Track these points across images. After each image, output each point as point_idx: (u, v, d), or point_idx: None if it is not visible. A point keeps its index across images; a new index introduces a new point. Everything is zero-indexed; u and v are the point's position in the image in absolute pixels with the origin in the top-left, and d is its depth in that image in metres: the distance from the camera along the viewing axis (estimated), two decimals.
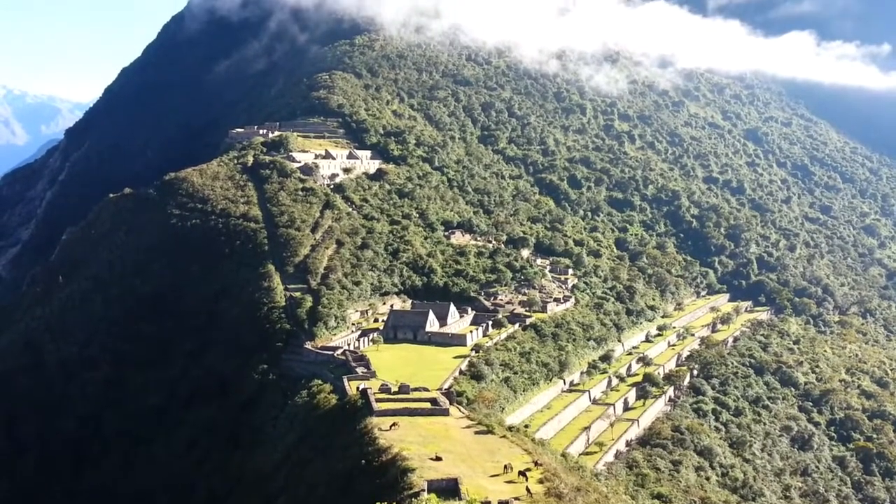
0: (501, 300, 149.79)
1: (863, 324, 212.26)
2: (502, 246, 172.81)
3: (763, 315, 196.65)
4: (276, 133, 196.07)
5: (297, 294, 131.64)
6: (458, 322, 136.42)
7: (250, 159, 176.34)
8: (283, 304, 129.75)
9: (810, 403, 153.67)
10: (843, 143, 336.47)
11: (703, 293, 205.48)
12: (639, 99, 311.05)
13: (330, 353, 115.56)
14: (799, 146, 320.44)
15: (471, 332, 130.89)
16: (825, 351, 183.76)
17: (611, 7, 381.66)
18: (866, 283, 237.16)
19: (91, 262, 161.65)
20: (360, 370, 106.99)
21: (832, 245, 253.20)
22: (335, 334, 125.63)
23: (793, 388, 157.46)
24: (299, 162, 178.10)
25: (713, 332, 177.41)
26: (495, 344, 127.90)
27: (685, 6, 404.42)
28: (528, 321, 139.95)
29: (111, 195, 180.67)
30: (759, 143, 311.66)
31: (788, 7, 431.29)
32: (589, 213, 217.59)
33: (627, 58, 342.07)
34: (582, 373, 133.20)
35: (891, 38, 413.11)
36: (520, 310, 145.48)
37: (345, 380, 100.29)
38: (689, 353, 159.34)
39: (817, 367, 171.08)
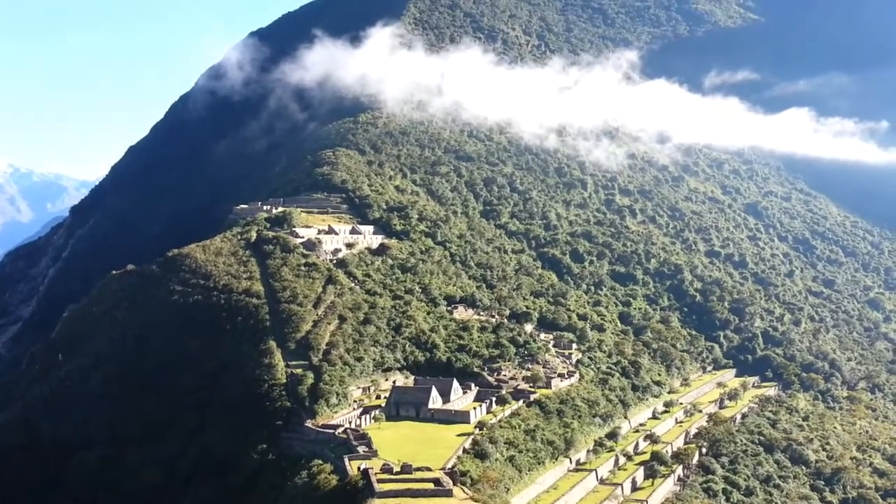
0: (505, 376, 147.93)
1: (872, 399, 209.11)
2: (505, 321, 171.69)
3: (771, 391, 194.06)
4: (280, 209, 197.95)
5: (299, 370, 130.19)
6: (461, 398, 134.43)
7: (254, 235, 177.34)
8: (284, 380, 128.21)
9: (822, 482, 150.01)
10: (844, 218, 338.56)
11: (709, 368, 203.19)
12: (639, 174, 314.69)
13: (331, 431, 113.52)
14: (799, 220, 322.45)
15: (474, 408, 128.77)
16: (835, 427, 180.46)
17: (611, 85, 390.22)
18: (873, 358, 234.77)
19: (91, 339, 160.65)
20: (361, 449, 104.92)
21: (837, 319, 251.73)
22: (336, 412, 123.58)
23: (804, 467, 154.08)
24: (302, 237, 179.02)
25: (721, 408, 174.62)
26: (499, 421, 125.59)
27: (685, 84, 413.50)
28: (532, 397, 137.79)
29: (114, 272, 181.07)
30: (759, 217, 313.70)
31: (785, 86, 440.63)
32: (592, 287, 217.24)
33: (627, 133, 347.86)
34: (588, 451, 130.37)
35: (889, 114, 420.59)
36: (524, 385, 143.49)
37: (346, 459, 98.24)
38: (697, 430, 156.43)
39: (828, 444, 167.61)
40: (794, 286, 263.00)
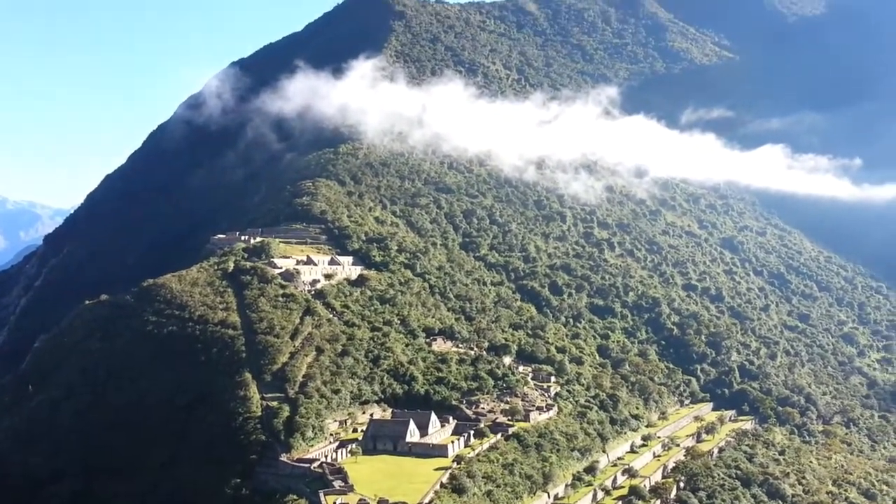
0: (483, 409, 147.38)
1: (847, 433, 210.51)
2: (484, 353, 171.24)
3: (747, 424, 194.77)
4: (258, 239, 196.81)
5: (274, 403, 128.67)
6: (439, 432, 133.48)
7: (231, 265, 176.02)
8: (259, 413, 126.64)
9: None
10: (818, 253, 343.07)
11: (686, 402, 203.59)
12: (617, 207, 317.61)
13: (306, 465, 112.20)
14: (774, 255, 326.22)
15: (452, 442, 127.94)
16: (811, 462, 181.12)
17: (590, 119, 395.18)
18: (848, 392, 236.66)
19: (63, 370, 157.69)
20: (337, 484, 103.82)
21: (812, 353, 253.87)
22: (312, 445, 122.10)
23: (780, 501, 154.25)
24: (280, 268, 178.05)
25: (698, 442, 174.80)
26: (477, 455, 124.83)
27: (662, 120, 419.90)
28: (510, 430, 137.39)
29: (87, 302, 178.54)
30: (735, 251, 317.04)
31: (760, 123, 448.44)
32: (570, 320, 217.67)
33: (605, 167, 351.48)
34: (566, 485, 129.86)
35: (862, 152, 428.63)
36: (502, 418, 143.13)
37: (321, 494, 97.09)
38: (674, 465, 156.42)
39: (804, 478, 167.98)
40: (769, 320, 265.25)
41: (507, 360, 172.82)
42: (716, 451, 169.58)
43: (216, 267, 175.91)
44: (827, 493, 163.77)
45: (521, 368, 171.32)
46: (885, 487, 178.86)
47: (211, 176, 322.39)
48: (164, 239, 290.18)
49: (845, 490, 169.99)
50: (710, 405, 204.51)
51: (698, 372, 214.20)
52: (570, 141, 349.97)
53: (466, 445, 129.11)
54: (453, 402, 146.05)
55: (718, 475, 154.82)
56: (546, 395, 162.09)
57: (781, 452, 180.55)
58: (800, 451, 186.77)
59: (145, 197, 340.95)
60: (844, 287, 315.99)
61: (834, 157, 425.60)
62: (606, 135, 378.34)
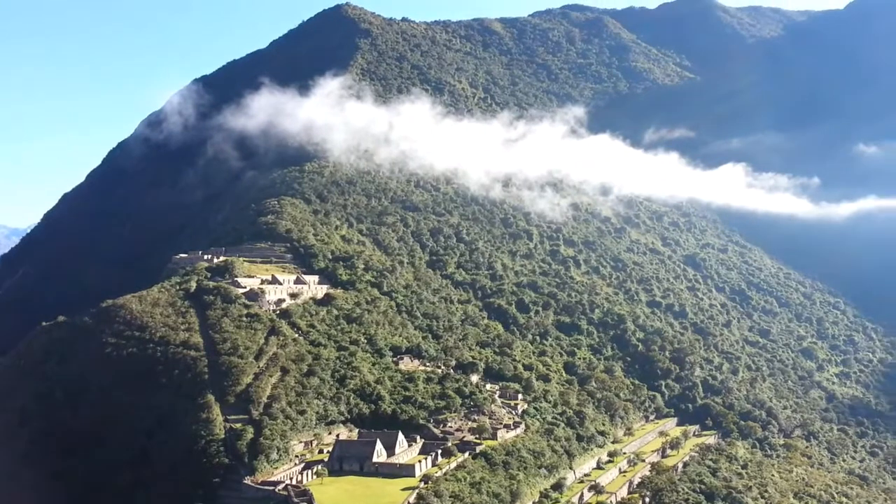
0: (451, 427, 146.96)
1: (807, 447, 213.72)
2: (451, 371, 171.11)
3: (711, 439, 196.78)
4: (222, 258, 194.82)
5: (238, 425, 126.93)
6: (406, 451, 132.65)
7: (193, 285, 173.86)
8: (223, 436, 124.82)
9: None
10: (778, 269, 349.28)
11: (651, 417, 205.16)
12: (583, 225, 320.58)
13: (271, 488, 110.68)
14: (736, 272, 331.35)
15: (419, 461, 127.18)
16: (773, 475, 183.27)
17: (556, 138, 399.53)
18: (808, 406, 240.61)
19: (18, 394, 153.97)
20: None
21: (773, 368, 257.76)
22: (277, 467, 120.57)
23: None
24: (244, 287, 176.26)
25: (663, 457, 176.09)
26: (445, 474, 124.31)
27: (627, 139, 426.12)
28: (478, 449, 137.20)
29: (44, 323, 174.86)
30: (697, 268, 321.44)
31: (720, 144, 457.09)
32: (537, 338, 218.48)
33: (570, 185, 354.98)
34: (533, 503, 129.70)
35: (820, 171, 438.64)
36: (469, 437, 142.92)
37: None
38: (640, 480, 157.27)
39: (766, 491, 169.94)
40: (731, 336, 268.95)
41: (475, 378, 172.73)
42: (680, 465, 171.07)
43: (178, 287, 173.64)
44: None
45: (488, 386, 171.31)
46: (844, 500, 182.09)
47: (171, 194, 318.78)
48: (124, 259, 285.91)
49: (806, 503, 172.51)
50: (675, 420, 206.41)
51: (663, 387, 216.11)
52: (536, 159, 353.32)
53: (434, 465, 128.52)
54: (421, 422, 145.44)
55: (683, 490, 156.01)
56: (513, 412, 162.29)
57: (744, 466, 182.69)
58: (762, 464, 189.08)
59: (104, 216, 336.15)
60: (803, 303, 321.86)
61: (793, 176, 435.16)
62: (572, 153, 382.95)
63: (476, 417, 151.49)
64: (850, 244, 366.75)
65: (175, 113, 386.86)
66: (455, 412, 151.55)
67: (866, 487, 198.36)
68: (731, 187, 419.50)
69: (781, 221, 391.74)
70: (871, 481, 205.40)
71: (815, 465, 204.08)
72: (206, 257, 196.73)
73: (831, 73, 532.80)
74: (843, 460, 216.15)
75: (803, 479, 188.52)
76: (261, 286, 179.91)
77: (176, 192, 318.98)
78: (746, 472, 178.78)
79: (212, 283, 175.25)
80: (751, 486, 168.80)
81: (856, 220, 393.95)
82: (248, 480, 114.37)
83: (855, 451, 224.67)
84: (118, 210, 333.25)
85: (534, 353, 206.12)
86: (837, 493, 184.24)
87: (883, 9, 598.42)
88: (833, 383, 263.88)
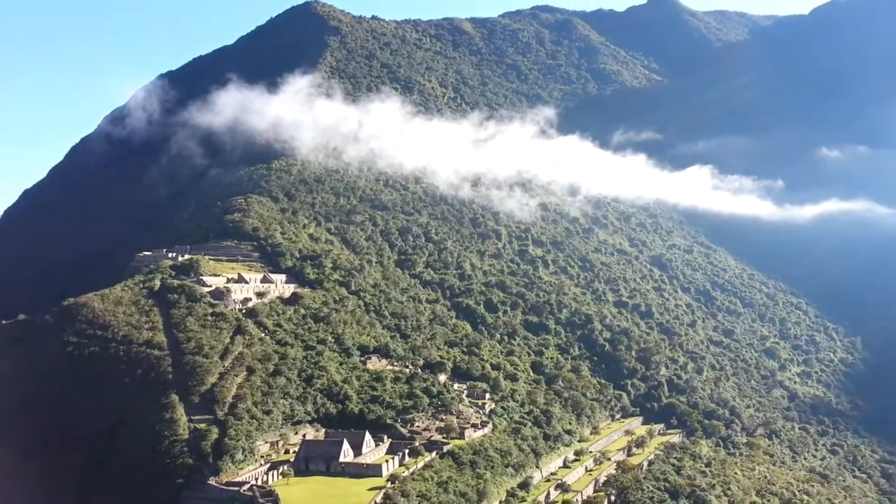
0: (418, 427, 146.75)
1: (769, 445, 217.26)
2: (419, 371, 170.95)
3: (675, 438, 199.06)
4: (186, 256, 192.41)
5: (202, 425, 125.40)
6: (373, 451, 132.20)
7: (157, 283, 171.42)
8: (187, 436, 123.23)
9: None
10: (742, 270, 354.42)
11: (617, 416, 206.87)
12: (551, 225, 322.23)
13: (235, 488, 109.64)
14: (701, 272, 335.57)
15: (387, 461, 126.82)
16: (736, 473, 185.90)
17: (525, 139, 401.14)
18: (770, 405, 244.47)
19: None
20: None
21: (736, 367, 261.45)
22: (242, 468, 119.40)
23: None
24: (210, 286, 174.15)
25: (629, 455, 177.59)
26: (412, 474, 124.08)
27: (596, 141, 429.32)
28: (445, 448, 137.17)
29: (3, 321, 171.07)
30: (664, 269, 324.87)
31: (686, 146, 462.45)
32: (505, 337, 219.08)
33: (539, 185, 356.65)
34: (500, 502, 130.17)
35: (784, 174, 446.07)
36: (437, 436, 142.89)
37: None
38: (606, 478, 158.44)
39: (729, 489, 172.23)
40: (696, 335, 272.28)
41: (443, 377, 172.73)
42: (645, 464, 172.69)
43: (141, 285, 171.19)
44: (751, 503, 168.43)
45: (456, 386, 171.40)
46: (805, 497, 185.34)
47: (134, 192, 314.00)
48: (86, 257, 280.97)
49: (768, 500, 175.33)
50: (640, 419, 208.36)
51: (629, 387, 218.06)
52: (505, 159, 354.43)
53: (401, 464, 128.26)
54: (388, 421, 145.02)
55: (648, 488, 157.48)
56: (481, 412, 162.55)
57: (708, 464, 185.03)
58: (725, 462, 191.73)
59: (66, 213, 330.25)
60: (766, 303, 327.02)
61: (758, 179, 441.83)
62: (541, 154, 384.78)
63: (443, 417, 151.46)
64: (812, 246, 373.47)
65: (139, 108, 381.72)
66: (423, 412, 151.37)
67: (827, 485, 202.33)
68: (698, 189, 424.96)
69: (746, 223, 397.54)
70: (831, 479, 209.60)
71: (777, 463, 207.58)
72: (170, 255, 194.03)
73: (795, 77, 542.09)
74: (805, 458, 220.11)
75: (765, 477, 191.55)
76: (227, 285, 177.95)
77: (139, 189, 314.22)
78: (710, 471, 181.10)
79: (176, 282, 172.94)
80: (714, 485, 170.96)
81: (818, 223, 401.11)
82: (212, 481, 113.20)
83: (816, 450, 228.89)
84: (80, 207, 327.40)
85: (502, 352, 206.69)
86: (799, 491, 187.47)
87: (846, 15, 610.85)
88: (795, 383, 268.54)
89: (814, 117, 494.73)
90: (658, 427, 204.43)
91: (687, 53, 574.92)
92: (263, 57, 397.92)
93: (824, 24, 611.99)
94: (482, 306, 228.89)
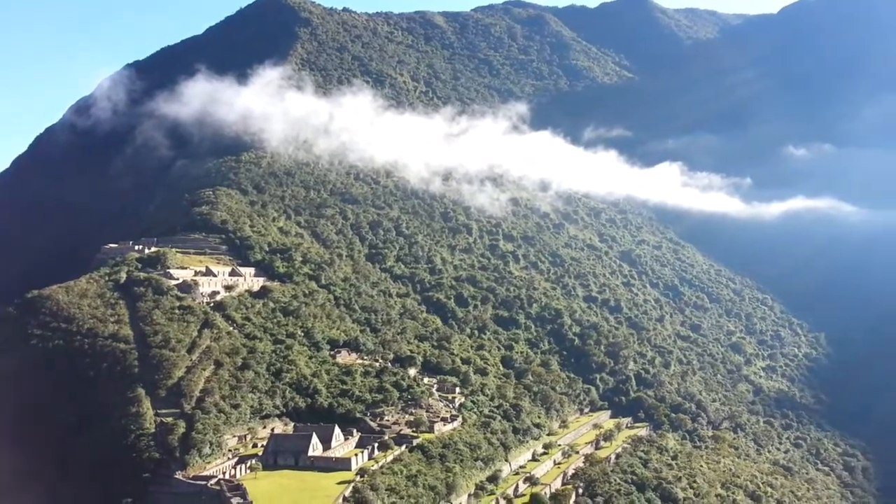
0: (388, 420, 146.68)
1: (734, 438, 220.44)
2: (389, 365, 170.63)
3: (643, 431, 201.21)
4: (153, 249, 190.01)
5: (169, 419, 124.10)
6: (342, 445, 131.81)
7: (123, 276, 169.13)
8: (153, 430, 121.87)
9: None
10: (709, 266, 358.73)
11: (585, 410, 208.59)
12: (522, 220, 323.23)
13: (203, 483, 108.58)
14: (669, 268, 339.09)
15: (356, 455, 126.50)
16: (701, 466, 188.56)
17: (497, 134, 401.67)
18: (735, 399, 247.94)
19: None
20: (235, 501, 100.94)
21: (703, 362, 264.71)
22: (209, 462, 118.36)
23: None
24: (177, 279, 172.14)
25: (596, 448, 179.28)
26: (381, 467, 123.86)
27: (567, 137, 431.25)
28: (415, 442, 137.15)
29: None
30: (633, 264, 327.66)
31: (656, 144, 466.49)
32: (475, 332, 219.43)
33: (510, 180, 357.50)
34: (469, 495, 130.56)
35: (752, 172, 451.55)
36: (407, 430, 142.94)
37: None
38: (574, 471, 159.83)
39: (695, 482, 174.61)
40: (664, 330, 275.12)
41: (413, 371, 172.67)
42: (613, 457, 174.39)
43: (107, 278, 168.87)
44: (716, 495, 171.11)
45: (426, 380, 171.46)
46: (769, 489, 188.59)
47: (99, 183, 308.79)
48: (50, 249, 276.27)
49: (733, 492, 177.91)
50: (609, 413, 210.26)
51: (597, 381, 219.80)
52: (476, 154, 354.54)
53: (370, 458, 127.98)
54: (357, 415, 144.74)
55: (615, 481, 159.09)
56: (450, 406, 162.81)
57: (674, 457, 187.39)
58: (691, 455, 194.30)
59: (30, 205, 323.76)
60: (733, 299, 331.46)
61: (726, 176, 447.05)
62: (512, 149, 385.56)
63: (413, 411, 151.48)
64: (778, 243, 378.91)
65: (104, 98, 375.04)
66: (392, 405, 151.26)
67: (790, 477, 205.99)
68: (667, 186, 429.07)
69: (714, 220, 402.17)
70: (794, 472, 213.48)
71: (742, 456, 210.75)
72: (136, 248, 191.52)
73: (763, 75, 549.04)
74: (769, 451, 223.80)
75: (730, 469, 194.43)
76: (194, 278, 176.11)
77: (104, 180, 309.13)
78: (676, 463, 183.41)
79: (143, 275, 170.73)
80: (680, 477, 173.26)
81: (784, 220, 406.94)
82: (179, 475, 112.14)
83: (780, 443, 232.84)
84: (45, 199, 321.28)
85: (472, 346, 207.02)
86: (763, 483, 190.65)
87: (814, 15, 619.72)
88: (760, 377, 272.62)
89: (781, 116, 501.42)
90: (626, 421, 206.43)
91: (658, 51, 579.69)
92: (233, 48, 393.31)
93: (793, 23, 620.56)
94: (453, 300, 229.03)
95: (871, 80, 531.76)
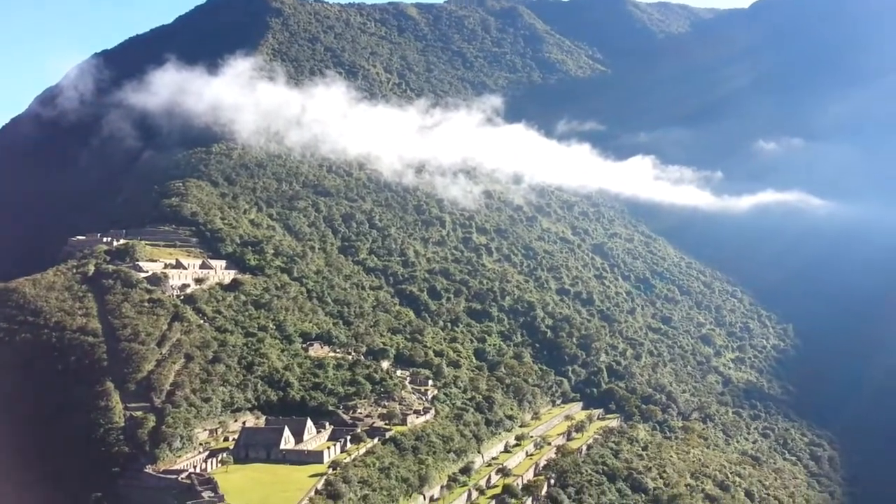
0: (361, 413, 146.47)
1: (704, 429, 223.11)
2: (362, 357, 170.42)
3: (614, 422, 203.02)
4: (122, 241, 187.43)
5: (139, 413, 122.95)
6: (314, 438, 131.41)
7: (91, 269, 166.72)
8: (122, 424, 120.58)
9: None
10: (680, 259, 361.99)
11: (558, 402, 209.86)
12: (495, 213, 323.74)
13: (173, 477, 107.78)
14: (641, 261, 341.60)
15: (328, 448, 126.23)
16: (671, 456, 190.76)
17: (471, 126, 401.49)
18: (705, 390, 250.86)
19: None
20: (206, 495, 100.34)
21: (674, 354, 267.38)
22: (180, 456, 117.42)
23: (643, 494, 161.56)
24: (146, 272, 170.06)
25: (568, 440, 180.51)
26: (354, 460, 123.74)
27: (541, 130, 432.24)
28: (387, 435, 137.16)
29: None
30: (605, 257, 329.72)
31: (629, 137, 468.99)
32: (448, 324, 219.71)
33: (484, 173, 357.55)
34: (442, 487, 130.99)
35: (723, 166, 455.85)
36: (379, 423, 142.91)
37: None
38: (546, 463, 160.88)
39: (665, 472, 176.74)
40: (635, 322, 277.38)
41: (385, 364, 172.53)
42: (584, 448, 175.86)
43: (75, 270, 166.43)
44: (685, 485, 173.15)
45: (398, 372, 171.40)
46: (737, 479, 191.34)
47: (65, 174, 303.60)
48: (16, 241, 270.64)
49: (702, 482, 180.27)
50: (580, 404, 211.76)
51: (570, 373, 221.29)
52: (450, 146, 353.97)
53: (343, 451, 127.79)
54: (330, 408, 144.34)
55: (586, 471, 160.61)
56: (423, 398, 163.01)
57: (644, 448, 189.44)
58: (661, 446, 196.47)
59: None
60: (703, 291, 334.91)
61: (698, 170, 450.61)
62: (486, 141, 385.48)
63: (386, 403, 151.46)
64: (748, 235, 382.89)
65: (70, 88, 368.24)
66: (365, 398, 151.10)
67: (758, 467, 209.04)
68: (640, 179, 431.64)
69: (685, 212, 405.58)
70: (762, 461, 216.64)
71: (711, 446, 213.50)
72: (105, 240, 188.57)
73: (734, 70, 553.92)
74: (737, 441, 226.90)
75: (700, 459, 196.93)
76: (164, 270, 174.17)
77: (71, 171, 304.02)
78: (646, 454, 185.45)
79: (111, 267, 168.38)
80: (650, 467, 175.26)
81: (754, 213, 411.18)
82: (149, 469, 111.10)
83: (748, 433, 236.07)
84: (10, 190, 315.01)
85: (445, 339, 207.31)
86: (731, 473, 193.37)
87: (784, 10, 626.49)
88: (729, 368, 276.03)
89: (752, 110, 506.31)
90: (597, 412, 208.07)
91: (630, 45, 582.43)
92: (203, 37, 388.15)
93: (763, 18, 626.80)
94: (426, 293, 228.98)
95: (840, 74, 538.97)
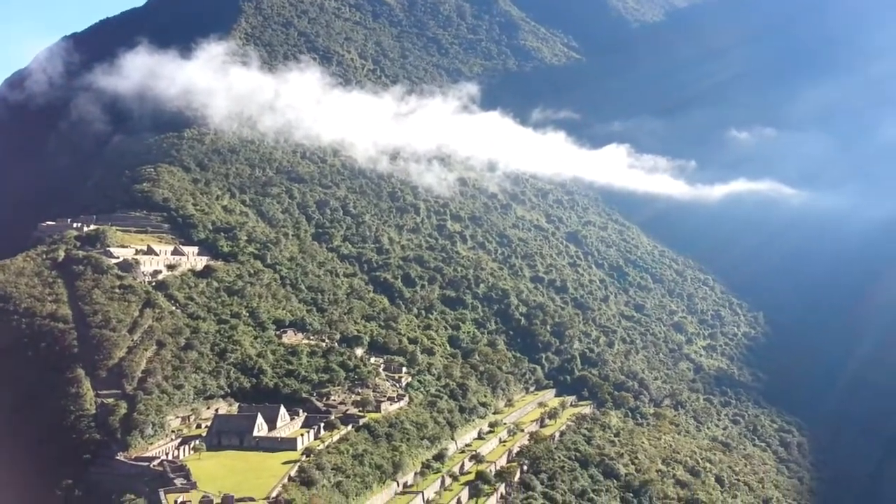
0: (334, 401, 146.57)
1: (675, 415, 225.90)
2: (336, 345, 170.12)
3: (587, 409, 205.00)
4: (92, 227, 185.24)
5: (110, 400, 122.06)
6: (288, 425, 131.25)
7: (61, 254, 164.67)
8: (94, 411, 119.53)
9: (631, 494, 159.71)
10: (653, 247, 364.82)
11: (531, 389, 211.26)
12: (470, 201, 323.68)
13: (145, 464, 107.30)
14: (614, 249, 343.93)
15: (302, 435, 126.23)
16: (643, 442, 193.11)
17: (446, 114, 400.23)
18: (677, 377, 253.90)
19: None
20: (178, 482, 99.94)
21: (646, 341, 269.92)
22: (152, 443, 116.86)
23: (615, 480, 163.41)
24: (117, 258, 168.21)
25: (541, 426, 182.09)
26: (327, 447, 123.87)
27: (516, 118, 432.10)
28: (361, 421, 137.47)
29: None
30: (579, 245, 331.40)
31: (604, 126, 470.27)
32: (423, 312, 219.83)
33: (458, 161, 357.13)
34: (415, 473, 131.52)
35: (697, 155, 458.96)
36: (353, 410, 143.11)
37: (161, 493, 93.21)
38: (519, 449, 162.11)
39: (636, 458, 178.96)
40: (608, 310, 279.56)
41: (359, 351, 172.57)
42: (557, 435, 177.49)
43: (44, 256, 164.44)
44: (657, 471, 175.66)
45: (372, 360, 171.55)
46: (708, 465, 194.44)
47: (35, 158, 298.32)
48: None
49: (673, 468, 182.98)
50: (554, 391, 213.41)
51: (543, 360, 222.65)
52: (425, 133, 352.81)
53: (316, 438, 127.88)
54: (304, 395, 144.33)
55: (559, 458, 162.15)
56: (397, 385, 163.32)
57: (616, 434, 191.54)
58: (633, 432, 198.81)
59: None
60: (676, 279, 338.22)
61: (672, 159, 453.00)
62: (461, 129, 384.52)
63: (360, 391, 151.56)
64: (720, 224, 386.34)
65: (39, 71, 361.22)
66: (339, 385, 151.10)
67: (728, 453, 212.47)
68: (614, 167, 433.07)
69: (659, 201, 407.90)
70: (732, 447, 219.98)
71: (682, 432, 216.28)
72: (75, 225, 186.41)
73: (706, 62, 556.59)
74: (708, 428, 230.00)
75: (671, 445, 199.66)
76: (135, 257, 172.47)
77: (40, 156, 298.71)
78: (619, 440, 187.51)
79: (81, 253, 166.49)
80: (622, 454, 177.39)
81: (726, 202, 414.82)
82: (120, 456, 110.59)
83: (719, 420, 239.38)
84: None
85: (419, 326, 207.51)
86: (702, 459, 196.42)
87: (759, 0, 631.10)
88: (700, 356, 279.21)
89: (725, 99, 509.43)
90: (570, 399, 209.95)
91: (606, 33, 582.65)
92: (176, 21, 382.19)
93: (737, 8, 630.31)
94: (400, 280, 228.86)
95: (814, 65, 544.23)
